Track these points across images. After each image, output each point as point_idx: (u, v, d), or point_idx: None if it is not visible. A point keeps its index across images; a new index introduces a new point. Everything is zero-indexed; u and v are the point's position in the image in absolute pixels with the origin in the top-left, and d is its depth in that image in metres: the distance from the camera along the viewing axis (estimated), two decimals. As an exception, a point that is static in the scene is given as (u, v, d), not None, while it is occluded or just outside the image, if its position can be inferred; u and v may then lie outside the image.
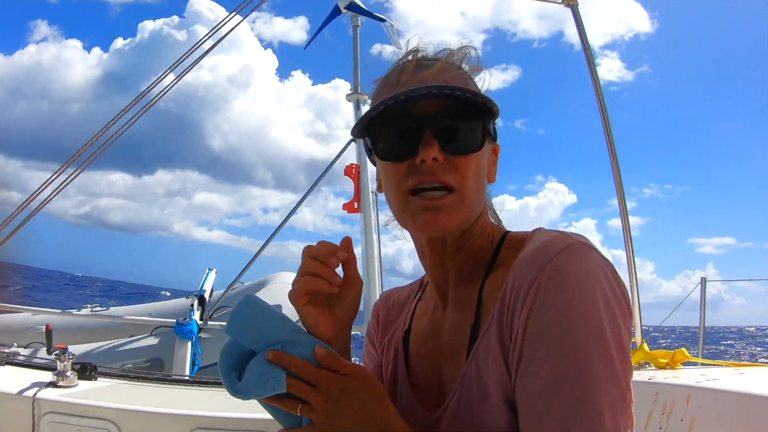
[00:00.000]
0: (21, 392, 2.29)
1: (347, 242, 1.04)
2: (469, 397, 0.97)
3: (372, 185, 5.31)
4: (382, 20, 6.27)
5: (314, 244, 1.03)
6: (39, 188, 3.57)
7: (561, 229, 0.98)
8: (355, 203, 5.36)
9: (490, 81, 1.12)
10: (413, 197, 0.99)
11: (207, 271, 8.92)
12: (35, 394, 2.27)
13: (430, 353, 1.12)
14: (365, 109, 5.63)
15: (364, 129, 1.05)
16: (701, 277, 6.34)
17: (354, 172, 5.36)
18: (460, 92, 0.95)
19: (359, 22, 6.03)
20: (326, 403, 0.95)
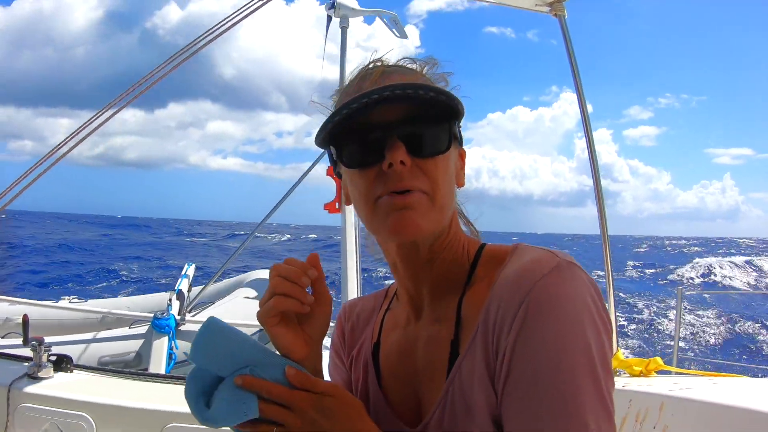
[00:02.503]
0: (-5, 383, 2.27)
1: (315, 259, 1.01)
2: (453, 414, 0.95)
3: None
4: (388, 14, 6.16)
5: (281, 262, 1.00)
6: (60, 143, 3.63)
7: (544, 247, 0.97)
8: (337, 203, 5.35)
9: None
10: (381, 199, 0.96)
11: (186, 266, 8.90)
12: (10, 384, 2.25)
13: (404, 368, 1.09)
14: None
15: (328, 138, 1.01)
16: (678, 288, 6.40)
17: (336, 173, 5.35)
18: (423, 91, 0.92)
19: (348, 23, 6.01)
20: (303, 424, 0.92)
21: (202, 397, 0.97)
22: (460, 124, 1.04)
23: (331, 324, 1.13)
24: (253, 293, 8.50)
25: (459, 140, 1.05)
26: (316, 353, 1.04)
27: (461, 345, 0.97)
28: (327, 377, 1.12)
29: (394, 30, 6.15)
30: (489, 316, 0.91)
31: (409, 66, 1.07)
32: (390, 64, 1.07)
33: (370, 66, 1.06)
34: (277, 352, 1.00)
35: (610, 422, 0.84)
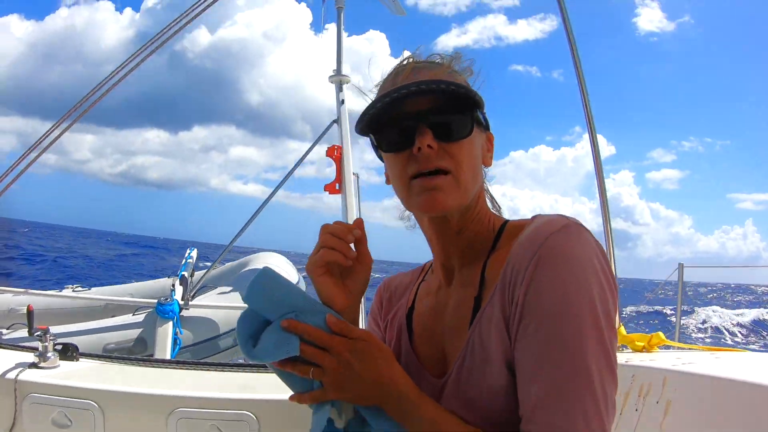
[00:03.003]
0: (2, 374, 2.28)
1: (360, 222, 1.16)
2: (472, 361, 1.07)
3: (354, 167, 5.30)
4: None
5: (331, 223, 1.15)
6: (34, 144, 3.59)
7: (559, 213, 1.07)
8: (337, 184, 5.34)
9: (481, 81, 1.24)
10: (414, 181, 1.11)
11: (188, 251, 8.89)
12: (17, 375, 2.26)
13: (433, 329, 1.22)
14: (347, 91, 5.66)
15: (366, 126, 1.16)
16: (679, 263, 6.41)
17: (336, 154, 5.34)
18: (444, 85, 1.07)
19: (343, 3, 5.96)
20: (338, 365, 1.04)
21: (251, 337, 1.09)
22: (484, 111, 1.18)
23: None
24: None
25: (484, 126, 1.20)
26: (355, 306, 1.17)
27: (483, 300, 1.09)
28: None
29: (390, 6, 6.10)
30: (506, 272, 1.03)
31: (437, 61, 1.21)
32: (420, 60, 1.22)
33: (404, 62, 1.22)
34: (320, 302, 1.13)
35: (611, 373, 0.94)
